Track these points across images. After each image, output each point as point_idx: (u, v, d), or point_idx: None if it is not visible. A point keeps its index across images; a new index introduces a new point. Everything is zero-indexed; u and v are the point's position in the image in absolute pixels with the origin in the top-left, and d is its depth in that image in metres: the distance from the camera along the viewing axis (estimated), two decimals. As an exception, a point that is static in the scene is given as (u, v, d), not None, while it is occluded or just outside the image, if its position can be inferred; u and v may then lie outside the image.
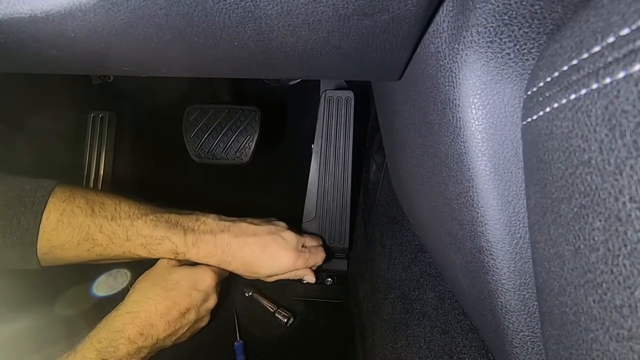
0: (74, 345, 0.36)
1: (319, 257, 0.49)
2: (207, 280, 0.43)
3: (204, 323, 0.45)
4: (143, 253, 0.41)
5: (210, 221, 0.44)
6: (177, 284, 0.41)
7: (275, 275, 0.47)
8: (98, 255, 0.40)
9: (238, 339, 0.62)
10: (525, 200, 0.19)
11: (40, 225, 0.37)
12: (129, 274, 0.65)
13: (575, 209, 0.13)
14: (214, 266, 0.45)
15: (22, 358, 0.51)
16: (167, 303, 0.40)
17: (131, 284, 0.43)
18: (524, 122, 0.17)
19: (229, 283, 0.62)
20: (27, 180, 0.38)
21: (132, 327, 0.37)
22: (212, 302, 0.44)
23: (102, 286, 0.63)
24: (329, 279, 0.70)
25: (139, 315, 0.38)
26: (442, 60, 0.20)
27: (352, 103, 0.58)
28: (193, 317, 0.42)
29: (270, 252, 0.44)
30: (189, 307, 0.41)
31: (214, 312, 0.46)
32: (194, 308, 0.42)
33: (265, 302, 0.66)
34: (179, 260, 0.44)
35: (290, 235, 0.46)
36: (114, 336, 0.37)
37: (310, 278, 0.50)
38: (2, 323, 0.51)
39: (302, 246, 0.48)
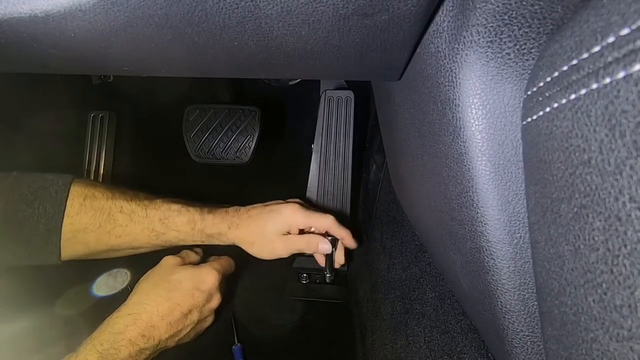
0: (74, 346, 0.36)
1: (324, 219, 0.46)
2: (210, 280, 0.43)
3: (207, 323, 0.45)
4: (161, 229, 0.43)
5: (223, 207, 0.47)
6: (180, 285, 0.41)
7: (287, 226, 0.44)
8: (117, 237, 0.42)
9: (236, 342, 0.62)
10: (525, 200, 0.19)
11: (65, 211, 0.39)
12: (129, 274, 0.65)
13: (575, 209, 0.13)
14: (226, 243, 0.46)
15: (22, 358, 0.51)
16: (169, 304, 0.40)
17: (131, 283, 0.43)
18: (524, 122, 0.17)
19: (233, 282, 0.62)
20: (49, 174, 0.41)
21: (133, 329, 0.37)
22: (215, 302, 0.44)
23: (102, 286, 0.63)
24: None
25: (141, 317, 0.38)
26: (442, 60, 0.20)
27: (352, 103, 0.58)
28: (196, 317, 0.42)
29: (272, 208, 0.46)
30: (191, 308, 0.41)
31: (218, 312, 0.46)
32: (196, 309, 0.42)
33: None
34: (182, 259, 0.44)
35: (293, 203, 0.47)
36: (116, 338, 0.36)
37: (324, 247, 0.46)
38: (2, 323, 0.51)
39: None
